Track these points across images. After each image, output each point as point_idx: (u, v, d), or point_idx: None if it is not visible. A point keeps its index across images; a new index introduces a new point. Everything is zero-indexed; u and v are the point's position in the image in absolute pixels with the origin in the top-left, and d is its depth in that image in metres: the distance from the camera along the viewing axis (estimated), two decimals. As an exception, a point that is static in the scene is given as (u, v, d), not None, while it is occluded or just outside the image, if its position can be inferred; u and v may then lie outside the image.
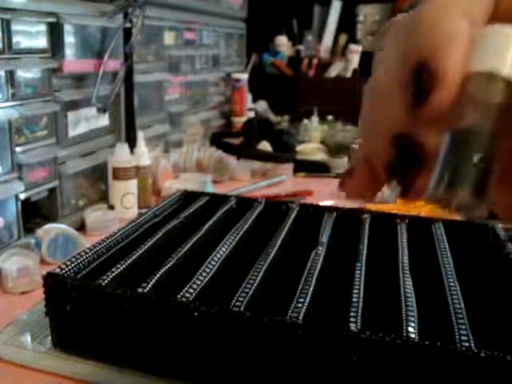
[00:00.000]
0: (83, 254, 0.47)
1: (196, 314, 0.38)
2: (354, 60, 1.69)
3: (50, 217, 0.73)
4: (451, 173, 0.17)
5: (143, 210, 0.80)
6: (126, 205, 0.80)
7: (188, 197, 0.69)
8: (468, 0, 0.18)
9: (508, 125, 0.17)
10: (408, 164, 0.19)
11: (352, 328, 0.36)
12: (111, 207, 0.80)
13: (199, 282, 0.43)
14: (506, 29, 0.17)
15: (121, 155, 0.80)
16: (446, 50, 0.17)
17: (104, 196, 0.84)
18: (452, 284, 0.44)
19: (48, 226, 0.66)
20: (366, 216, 0.61)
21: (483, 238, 0.58)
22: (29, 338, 0.47)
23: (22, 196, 0.65)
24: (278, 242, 0.52)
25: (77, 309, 0.42)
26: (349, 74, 1.69)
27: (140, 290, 0.41)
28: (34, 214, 0.71)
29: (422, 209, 0.81)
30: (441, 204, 0.17)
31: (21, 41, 0.63)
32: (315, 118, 1.39)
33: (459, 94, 0.17)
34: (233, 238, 0.53)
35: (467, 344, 0.35)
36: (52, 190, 0.72)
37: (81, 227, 0.75)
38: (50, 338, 0.46)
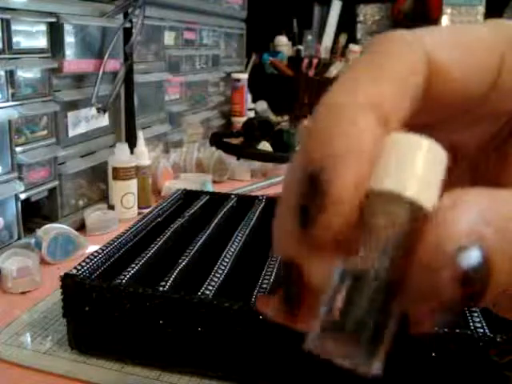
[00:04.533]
0: (96, 254, 0.47)
1: (219, 310, 0.39)
2: (354, 60, 1.69)
3: (50, 217, 0.72)
4: (336, 319, 0.13)
5: (143, 210, 0.80)
6: (125, 205, 0.80)
7: (188, 196, 0.69)
8: (379, 87, 0.14)
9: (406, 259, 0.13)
10: (291, 292, 0.15)
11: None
12: (111, 207, 0.80)
13: (216, 279, 0.44)
14: (412, 138, 0.14)
15: (121, 155, 0.79)
16: (340, 163, 0.14)
17: (104, 196, 0.84)
18: None
19: (48, 225, 0.66)
20: None
21: None
22: (29, 338, 0.47)
23: (22, 196, 0.65)
24: None
25: (96, 310, 0.42)
26: (349, 74, 1.69)
27: (160, 288, 0.41)
28: (34, 213, 0.71)
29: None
30: (324, 353, 0.13)
31: (21, 41, 0.63)
32: (315, 118, 1.39)
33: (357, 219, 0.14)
34: (241, 235, 0.54)
35: (482, 330, 0.36)
36: (52, 190, 0.72)
37: (81, 227, 0.75)
38: (49, 337, 0.46)
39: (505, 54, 0.16)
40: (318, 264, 0.15)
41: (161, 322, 0.41)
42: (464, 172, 0.19)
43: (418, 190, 0.13)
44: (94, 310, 0.42)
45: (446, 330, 0.36)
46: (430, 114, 0.16)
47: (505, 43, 0.16)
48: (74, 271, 0.44)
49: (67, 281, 0.42)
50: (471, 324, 0.38)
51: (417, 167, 0.14)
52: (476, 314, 0.39)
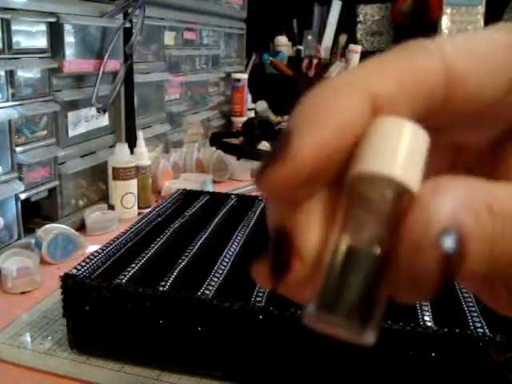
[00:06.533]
0: (96, 254, 0.47)
1: (219, 310, 0.39)
2: (354, 60, 1.69)
3: (50, 217, 0.72)
4: (336, 297, 0.14)
5: (143, 210, 0.80)
6: (125, 205, 0.80)
7: (188, 196, 0.69)
8: (378, 76, 0.15)
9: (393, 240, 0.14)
10: (280, 258, 0.16)
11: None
12: (111, 207, 0.80)
13: (216, 279, 0.44)
14: (396, 121, 0.14)
15: (121, 155, 0.80)
16: (309, 125, 0.14)
17: (104, 196, 0.84)
18: None
19: (48, 225, 0.66)
20: None
21: None
22: (29, 338, 0.47)
23: (22, 196, 0.65)
24: None
25: (96, 309, 0.42)
26: (349, 74, 1.69)
27: (160, 288, 0.41)
28: (33, 214, 0.71)
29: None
30: (319, 328, 0.14)
31: (21, 41, 0.63)
32: (315, 118, 1.39)
33: (345, 198, 0.15)
34: (241, 235, 0.54)
35: (481, 330, 0.37)
36: (52, 190, 0.72)
37: (81, 227, 0.75)
38: (49, 337, 0.46)
39: None
40: (308, 233, 0.15)
41: (161, 321, 0.41)
42: (458, 166, 0.19)
43: (404, 171, 0.14)
44: (94, 310, 0.42)
45: (445, 329, 0.36)
46: (443, 117, 0.16)
47: None
48: (74, 271, 0.44)
49: (67, 281, 0.42)
50: (471, 324, 0.38)
51: (402, 149, 0.14)
52: (476, 314, 0.39)
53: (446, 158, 0.19)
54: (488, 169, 0.19)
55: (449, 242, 0.13)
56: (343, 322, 0.14)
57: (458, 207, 0.13)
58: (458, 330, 0.36)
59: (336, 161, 0.15)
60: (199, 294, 0.41)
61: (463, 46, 0.16)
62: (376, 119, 0.15)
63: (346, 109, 0.14)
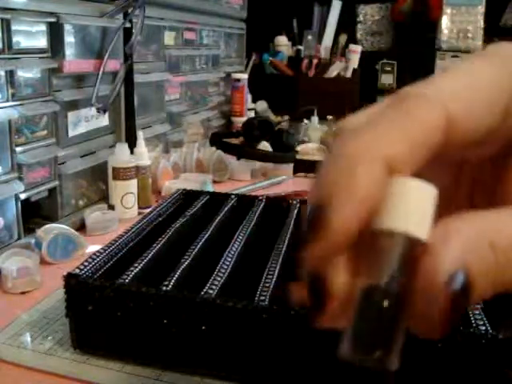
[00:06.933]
0: (98, 254, 0.47)
1: (222, 309, 0.39)
2: (354, 60, 1.69)
3: (50, 217, 0.72)
4: (362, 333, 0.17)
5: (143, 210, 0.80)
6: (126, 205, 0.80)
7: (188, 196, 0.69)
8: (390, 142, 0.17)
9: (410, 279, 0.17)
10: (316, 296, 0.19)
11: None
12: (111, 207, 0.80)
13: (219, 279, 0.44)
14: (407, 182, 0.17)
15: (121, 155, 0.80)
16: (341, 201, 0.17)
17: (104, 196, 0.84)
18: None
19: (48, 225, 0.66)
20: None
21: None
22: (29, 338, 0.47)
23: (22, 196, 0.65)
24: (287, 238, 0.54)
25: (99, 309, 0.42)
26: (349, 74, 1.69)
27: (164, 287, 0.41)
28: (33, 214, 0.71)
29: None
30: (351, 359, 0.17)
31: (21, 41, 0.63)
32: (315, 118, 1.39)
33: (368, 249, 0.17)
34: (242, 234, 0.54)
35: (483, 328, 0.37)
36: (52, 190, 0.72)
37: (81, 227, 0.75)
38: (49, 337, 0.46)
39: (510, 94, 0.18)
40: (337, 277, 0.18)
41: (164, 321, 0.41)
42: (465, 182, 0.22)
43: (414, 225, 0.17)
44: (97, 310, 0.42)
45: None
46: (445, 151, 0.18)
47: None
48: (77, 271, 0.44)
49: (70, 280, 0.42)
50: (473, 322, 0.38)
51: (413, 207, 0.17)
52: (478, 312, 0.39)
53: (451, 172, 0.22)
54: (491, 178, 0.21)
55: (457, 283, 0.16)
56: (371, 358, 0.17)
57: (464, 249, 0.16)
58: (460, 328, 0.36)
59: (363, 225, 0.17)
60: (202, 293, 0.41)
61: (456, 90, 0.18)
62: (392, 181, 0.17)
63: (371, 182, 0.17)
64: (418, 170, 0.18)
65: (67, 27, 0.70)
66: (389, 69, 1.82)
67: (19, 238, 0.65)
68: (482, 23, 1.74)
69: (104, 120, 0.84)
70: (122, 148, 0.80)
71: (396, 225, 0.17)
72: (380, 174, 0.17)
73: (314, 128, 1.36)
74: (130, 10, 0.84)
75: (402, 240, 0.17)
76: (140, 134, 0.86)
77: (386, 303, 0.17)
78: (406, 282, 0.17)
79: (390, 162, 0.17)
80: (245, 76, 1.42)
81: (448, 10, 1.75)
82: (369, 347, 0.17)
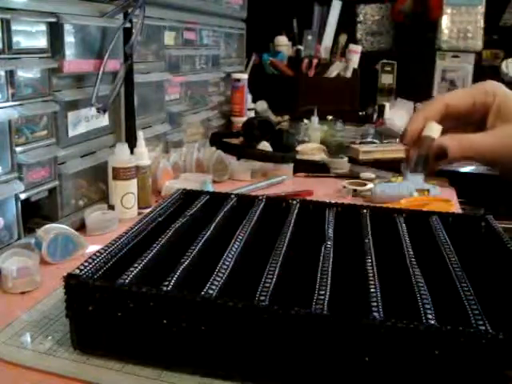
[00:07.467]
0: (98, 254, 0.47)
1: (223, 309, 0.39)
2: (354, 60, 1.69)
3: (50, 217, 0.73)
4: (417, 162, 0.55)
5: (143, 210, 0.80)
6: (126, 205, 0.80)
7: (188, 196, 0.69)
8: (426, 111, 0.56)
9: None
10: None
11: (376, 317, 0.38)
12: (111, 207, 0.80)
13: (219, 279, 0.44)
14: (431, 123, 0.55)
15: (121, 155, 0.80)
16: (409, 126, 0.56)
17: (104, 196, 0.84)
18: (459, 273, 0.47)
19: (48, 226, 0.66)
20: (365, 211, 0.63)
21: (477, 229, 0.62)
22: (29, 338, 0.47)
23: (22, 196, 0.65)
24: (287, 238, 0.54)
25: (99, 309, 0.42)
26: (349, 74, 1.69)
27: (164, 288, 0.41)
28: (33, 213, 0.71)
29: (423, 207, 0.81)
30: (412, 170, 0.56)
31: (21, 41, 0.63)
32: (315, 118, 1.39)
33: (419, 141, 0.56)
34: (242, 234, 0.54)
35: (483, 327, 0.37)
36: (52, 190, 0.72)
37: (81, 227, 0.75)
38: (49, 337, 0.46)
39: (475, 97, 0.55)
40: (413, 151, 0.56)
41: (165, 321, 0.41)
42: (460, 130, 0.57)
43: (433, 133, 0.54)
44: (97, 310, 0.42)
45: (448, 327, 0.36)
46: (447, 118, 0.56)
47: (477, 92, 0.55)
48: (77, 271, 0.44)
49: (70, 281, 0.42)
50: (473, 321, 0.38)
51: (434, 129, 0.55)
52: (477, 312, 0.39)
53: (452, 122, 0.56)
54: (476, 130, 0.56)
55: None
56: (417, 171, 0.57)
57: (446, 139, 0.54)
58: (460, 328, 0.36)
59: (418, 134, 0.56)
60: (203, 293, 0.41)
61: (450, 95, 0.57)
62: (427, 123, 0.55)
63: (420, 122, 0.56)
64: (438, 121, 0.55)
65: (67, 27, 0.70)
66: (389, 69, 1.82)
67: (19, 238, 0.65)
68: (482, 23, 1.74)
69: (104, 120, 0.84)
70: (122, 148, 0.80)
71: (428, 134, 0.54)
72: (423, 120, 0.55)
73: (314, 128, 1.36)
74: (130, 10, 0.84)
75: (429, 138, 0.54)
76: (140, 134, 0.86)
77: (424, 153, 0.54)
78: (429, 149, 0.54)
79: (426, 117, 0.55)
80: (245, 76, 1.42)
81: (448, 10, 1.75)
82: (417, 167, 0.55)
